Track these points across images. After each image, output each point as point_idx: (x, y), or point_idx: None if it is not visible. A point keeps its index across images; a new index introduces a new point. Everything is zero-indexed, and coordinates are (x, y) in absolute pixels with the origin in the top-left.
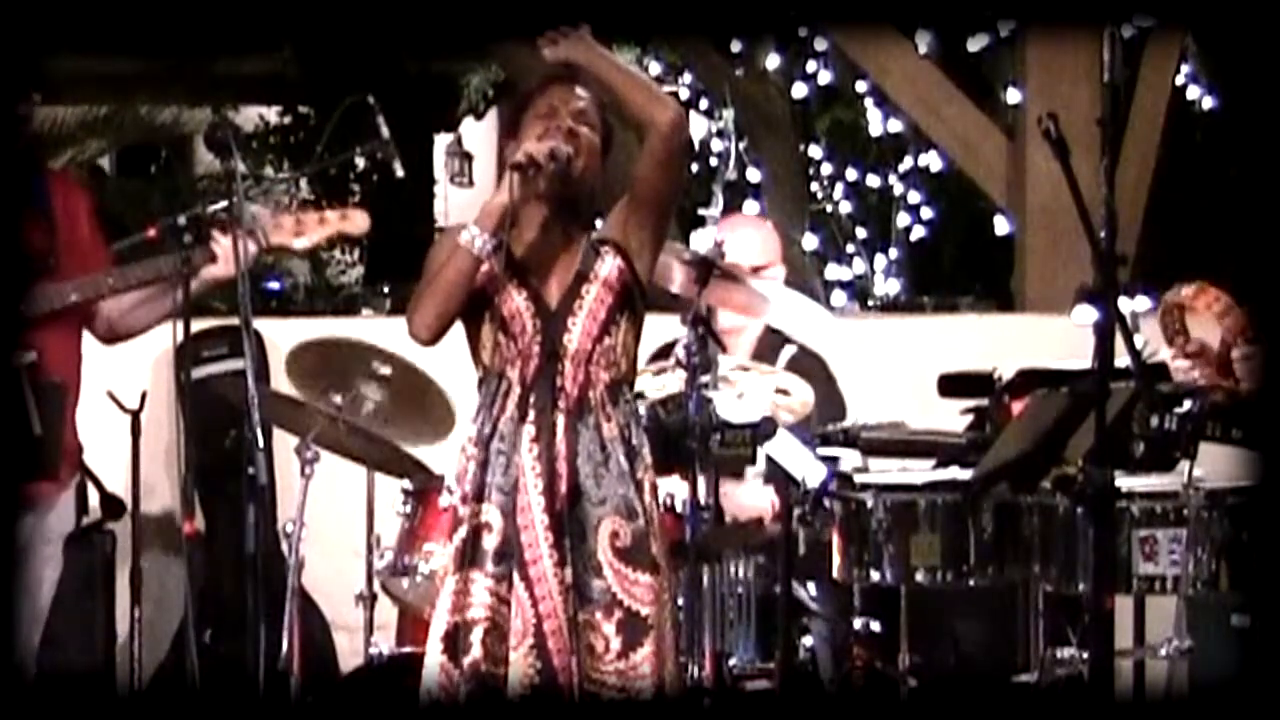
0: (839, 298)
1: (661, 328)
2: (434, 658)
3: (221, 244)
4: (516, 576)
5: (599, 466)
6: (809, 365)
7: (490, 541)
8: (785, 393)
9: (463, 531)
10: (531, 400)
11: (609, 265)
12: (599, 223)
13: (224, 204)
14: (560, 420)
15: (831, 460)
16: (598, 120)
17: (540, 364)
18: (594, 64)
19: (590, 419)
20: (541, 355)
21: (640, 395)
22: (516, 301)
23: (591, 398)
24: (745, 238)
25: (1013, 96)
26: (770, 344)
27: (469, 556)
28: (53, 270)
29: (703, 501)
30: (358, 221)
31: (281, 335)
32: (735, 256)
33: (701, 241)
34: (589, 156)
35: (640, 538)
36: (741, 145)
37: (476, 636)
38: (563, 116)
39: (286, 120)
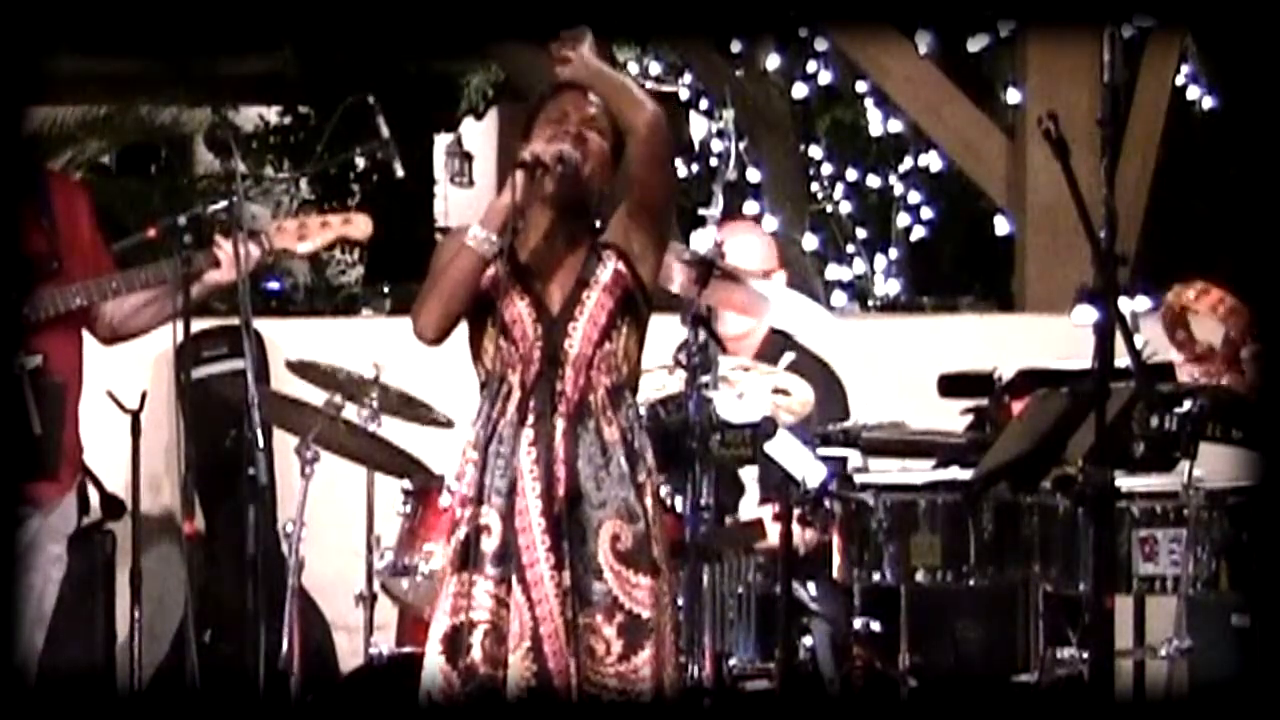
0: (839, 298)
1: (662, 328)
2: (433, 659)
3: (224, 249)
4: (514, 579)
5: (600, 470)
6: (810, 370)
7: (490, 544)
8: (785, 393)
9: (461, 533)
10: (531, 404)
11: (610, 270)
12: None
13: (224, 204)
14: (559, 425)
15: (838, 460)
16: (608, 128)
17: (541, 369)
18: (589, 76)
19: (590, 423)
20: (542, 360)
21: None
22: (518, 306)
23: (592, 402)
24: (746, 244)
25: (1013, 96)
26: (772, 348)
27: (469, 558)
28: (55, 272)
29: (703, 501)
30: (361, 225)
31: (281, 335)
32: (737, 263)
33: (701, 241)
34: (597, 162)
35: (641, 540)
36: (741, 145)
37: (476, 638)
38: (573, 122)
39: (286, 120)
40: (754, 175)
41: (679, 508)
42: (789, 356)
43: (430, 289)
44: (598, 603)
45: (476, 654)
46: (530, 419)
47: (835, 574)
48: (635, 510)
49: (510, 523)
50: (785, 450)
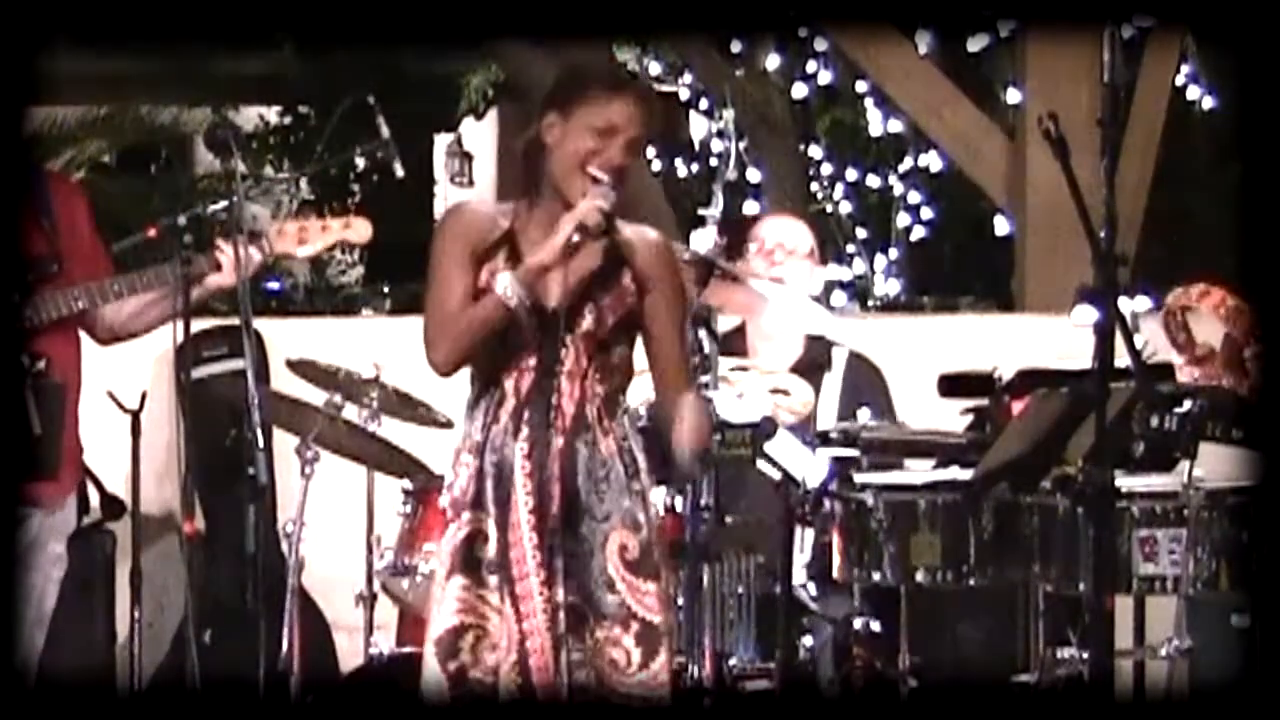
0: (839, 298)
1: None
2: (429, 661)
3: (225, 252)
4: (504, 591)
5: (599, 482)
6: (862, 371)
7: (488, 551)
8: (785, 393)
9: (459, 537)
10: (526, 416)
11: (618, 286)
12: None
13: (224, 204)
14: (555, 441)
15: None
16: (645, 143)
17: (536, 379)
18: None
19: (588, 436)
20: (538, 369)
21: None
22: (519, 312)
23: (588, 413)
24: (795, 230)
25: (1013, 96)
26: (817, 350)
27: (466, 563)
28: (55, 274)
29: (703, 502)
30: (360, 229)
31: (281, 335)
32: (787, 249)
33: (701, 241)
34: (626, 186)
35: (646, 548)
36: (741, 145)
37: (467, 643)
38: (618, 144)
39: (286, 120)
40: (754, 175)
41: (679, 508)
42: (841, 355)
43: (448, 325)
44: (613, 614)
45: (467, 658)
46: (525, 431)
47: (835, 574)
48: (638, 518)
49: (507, 533)
50: (785, 450)
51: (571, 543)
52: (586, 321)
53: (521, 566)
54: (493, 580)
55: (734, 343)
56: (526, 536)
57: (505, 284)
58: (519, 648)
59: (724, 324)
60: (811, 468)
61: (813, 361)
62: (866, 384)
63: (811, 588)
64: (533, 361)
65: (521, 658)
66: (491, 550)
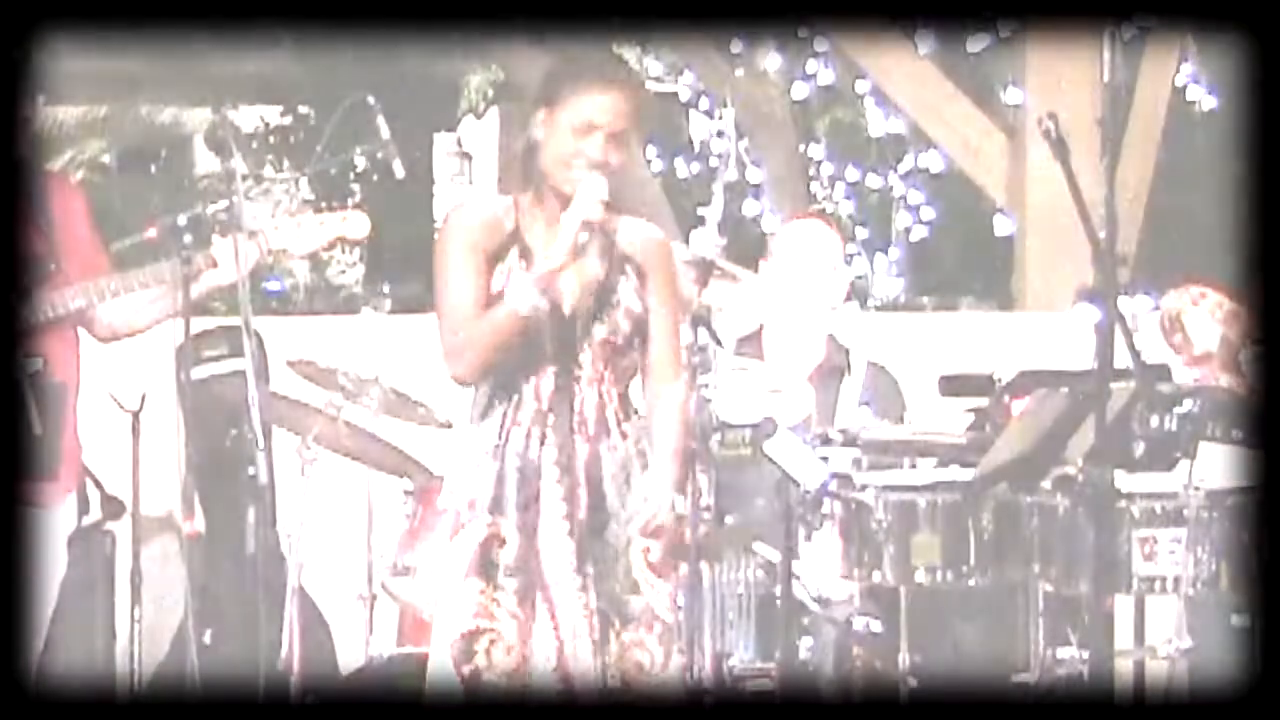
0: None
1: None
2: (441, 662)
3: (223, 249)
4: (539, 598)
5: (622, 485)
6: (881, 378)
7: (505, 556)
8: (784, 394)
9: (476, 540)
10: (551, 423)
11: (629, 287)
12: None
13: (224, 204)
14: (582, 447)
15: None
16: (629, 139)
17: (557, 384)
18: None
19: (610, 440)
20: (557, 375)
21: None
22: (537, 319)
23: (609, 418)
24: (818, 234)
25: (1013, 96)
26: (839, 352)
27: (482, 566)
28: (52, 274)
29: (703, 502)
30: (357, 223)
31: (281, 335)
32: (809, 253)
33: (701, 241)
34: (622, 179)
35: (663, 548)
36: (741, 145)
37: (483, 646)
38: (596, 141)
39: (286, 120)
40: (754, 175)
41: (679, 508)
42: (862, 362)
43: (466, 330)
44: (639, 617)
45: (482, 661)
46: (552, 438)
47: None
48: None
49: (529, 538)
50: (785, 450)
51: (600, 547)
52: (603, 327)
53: (556, 573)
54: (512, 584)
55: (750, 346)
56: (562, 544)
57: (528, 298)
58: (558, 654)
59: (741, 327)
60: (812, 468)
61: (833, 367)
62: (884, 393)
63: (815, 588)
64: (551, 366)
65: (561, 664)
66: (511, 555)
